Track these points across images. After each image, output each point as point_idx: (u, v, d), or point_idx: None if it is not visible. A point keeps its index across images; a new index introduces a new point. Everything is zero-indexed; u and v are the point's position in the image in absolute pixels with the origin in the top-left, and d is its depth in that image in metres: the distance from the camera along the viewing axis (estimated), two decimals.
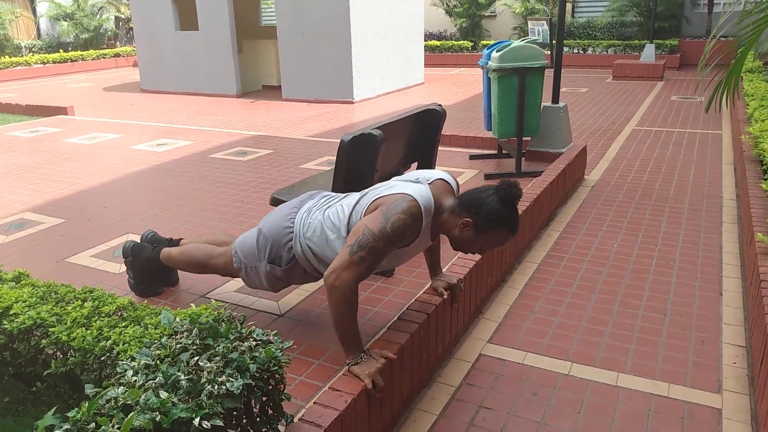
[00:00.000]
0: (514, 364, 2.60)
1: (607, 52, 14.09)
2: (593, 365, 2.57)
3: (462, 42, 15.43)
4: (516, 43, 5.13)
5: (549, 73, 5.28)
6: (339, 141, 3.05)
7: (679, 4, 14.46)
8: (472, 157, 5.86)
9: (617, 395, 2.38)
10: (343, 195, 2.52)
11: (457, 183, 2.38)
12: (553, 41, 5.39)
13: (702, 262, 3.54)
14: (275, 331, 1.80)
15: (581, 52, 14.40)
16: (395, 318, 2.47)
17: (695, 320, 2.90)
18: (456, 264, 2.88)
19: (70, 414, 1.43)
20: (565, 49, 13.84)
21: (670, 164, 5.60)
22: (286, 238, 2.45)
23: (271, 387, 1.71)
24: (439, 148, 3.98)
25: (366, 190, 2.37)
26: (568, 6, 15.53)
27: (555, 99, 5.50)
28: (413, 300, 2.60)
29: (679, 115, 7.90)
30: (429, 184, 2.23)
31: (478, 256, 2.90)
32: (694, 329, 2.83)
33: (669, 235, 3.95)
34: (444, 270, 2.77)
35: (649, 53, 11.90)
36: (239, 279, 2.72)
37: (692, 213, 4.33)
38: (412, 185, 2.20)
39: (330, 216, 2.36)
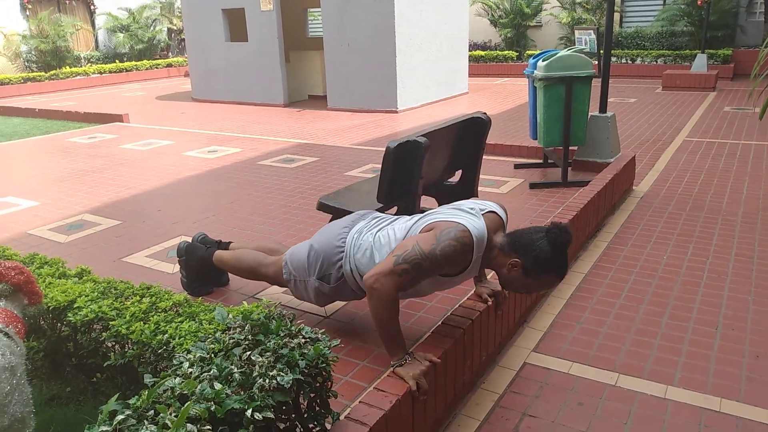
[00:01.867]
0: (560, 373, 2.58)
1: (656, 62, 13.77)
2: (641, 377, 2.52)
3: (507, 52, 15.36)
4: (563, 52, 5.09)
5: (596, 83, 5.21)
6: (384, 148, 3.10)
7: (733, 13, 14.02)
8: (517, 166, 5.83)
9: (666, 408, 2.33)
10: (394, 217, 2.56)
11: (507, 214, 2.39)
12: (601, 51, 5.33)
13: (756, 275, 3.43)
14: (323, 330, 1.85)
15: (630, 62, 14.11)
16: (439, 322, 2.49)
17: (749, 335, 2.81)
18: None
19: (130, 401, 1.51)
20: (613, 59, 13.59)
21: (722, 176, 5.44)
22: (336, 257, 2.51)
23: (318, 384, 1.76)
24: (484, 156, 3.99)
25: (419, 215, 2.40)
26: (616, 16, 15.27)
27: (602, 108, 5.42)
28: (457, 305, 2.62)
29: (732, 126, 7.65)
30: (483, 214, 2.24)
31: None
32: (747, 344, 2.74)
33: (721, 247, 3.84)
34: (488, 277, 2.77)
35: (700, 63, 11.58)
36: None
37: (746, 226, 4.20)
38: (468, 216, 2.21)
39: (380, 238, 2.40)
